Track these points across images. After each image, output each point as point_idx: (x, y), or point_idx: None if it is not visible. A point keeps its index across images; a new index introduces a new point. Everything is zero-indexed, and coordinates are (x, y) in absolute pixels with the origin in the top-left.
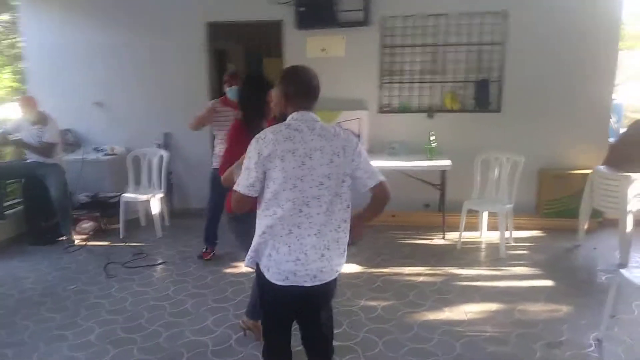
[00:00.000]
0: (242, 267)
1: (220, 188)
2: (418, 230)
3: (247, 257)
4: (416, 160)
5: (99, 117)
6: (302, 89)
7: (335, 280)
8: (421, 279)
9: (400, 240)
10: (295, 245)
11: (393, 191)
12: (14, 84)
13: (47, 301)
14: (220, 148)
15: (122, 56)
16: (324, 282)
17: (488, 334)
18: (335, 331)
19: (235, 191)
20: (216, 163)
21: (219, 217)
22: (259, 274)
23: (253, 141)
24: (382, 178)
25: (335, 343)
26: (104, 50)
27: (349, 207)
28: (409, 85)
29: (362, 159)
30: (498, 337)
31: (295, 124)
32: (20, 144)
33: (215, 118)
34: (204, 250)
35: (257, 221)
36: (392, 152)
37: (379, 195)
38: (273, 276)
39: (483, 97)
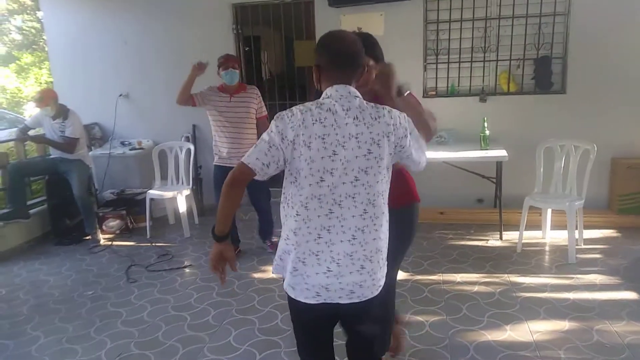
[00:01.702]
0: (271, 273)
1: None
2: (470, 229)
3: (274, 263)
4: (467, 151)
5: (126, 110)
6: (338, 58)
7: (380, 296)
8: (476, 288)
9: (449, 241)
10: (324, 254)
11: (441, 185)
12: (52, 79)
13: (62, 309)
14: (218, 140)
15: (147, 46)
16: (365, 299)
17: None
18: None
19: (242, 163)
20: (217, 159)
21: (235, 218)
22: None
23: (278, 117)
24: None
25: None
26: (128, 41)
27: (385, 204)
28: (458, 66)
29: (411, 146)
30: None
31: (329, 103)
32: (40, 140)
33: (211, 105)
34: None
35: (282, 221)
36: (440, 141)
37: None
38: (301, 294)
39: (544, 76)
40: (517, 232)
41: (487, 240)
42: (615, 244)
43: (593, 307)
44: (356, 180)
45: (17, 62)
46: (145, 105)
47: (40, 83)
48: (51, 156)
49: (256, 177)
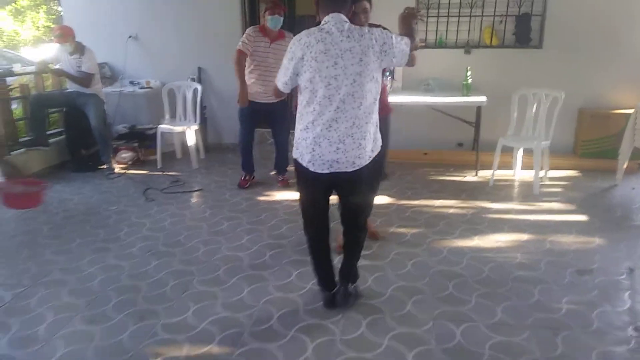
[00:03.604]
0: (276, 196)
1: (247, 122)
2: (450, 168)
3: (293, 149)
4: (451, 97)
5: (135, 51)
6: None
7: (373, 161)
8: (451, 211)
9: (431, 177)
10: (334, 138)
11: (426, 129)
12: (49, 24)
13: (91, 219)
14: (249, 77)
15: None
16: (362, 167)
17: (517, 260)
18: (362, 252)
19: (275, 84)
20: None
21: (252, 149)
22: (296, 166)
23: (293, 41)
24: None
25: (363, 262)
26: None
27: (376, 98)
28: (446, 20)
29: (393, 52)
30: (527, 263)
31: (327, 27)
32: (60, 72)
33: (251, 47)
34: (243, 177)
35: (298, 117)
36: (426, 88)
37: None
38: (318, 168)
39: (524, 32)
40: (491, 171)
41: (465, 176)
42: (575, 181)
43: (549, 225)
44: (354, 82)
45: (14, 4)
46: (153, 47)
47: (38, 27)
48: (68, 90)
49: (284, 91)
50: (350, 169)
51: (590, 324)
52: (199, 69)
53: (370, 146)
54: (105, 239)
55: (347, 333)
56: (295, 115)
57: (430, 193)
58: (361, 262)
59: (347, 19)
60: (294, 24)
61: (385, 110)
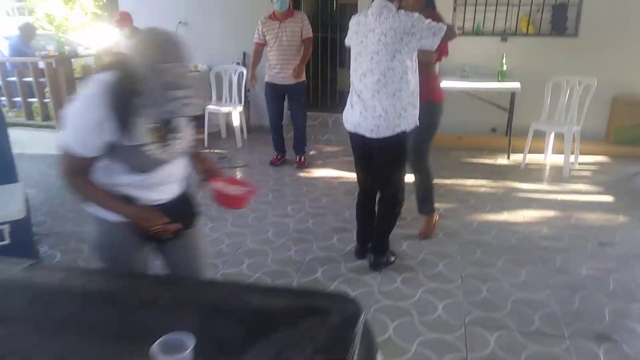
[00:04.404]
0: (315, 173)
1: (271, 103)
2: (483, 152)
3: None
4: (486, 82)
5: (183, 36)
6: None
7: (396, 138)
8: (482, 189)
9: (464, 159)
10: (358, 105)
11: (461, 114)
12: (97, 11)
13: None
14: (270, 60)
15: None
16: (382, 137)
17: (543, 233)
18: (397, 223)
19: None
20: (267, 76)
21: (281, 130)
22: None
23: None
24: (438, 40)
25: (398, 230)
26: None
27: (402, 78)
28: (484, 8)
29: (420, 35)
30: (552, 235)
31: (367, 11)
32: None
33: (265, 34)
34: (275, 156)
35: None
36: (463, 74)
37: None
38: (348, 125)
39: (560, 21)
40: (522, 154)
41: (496, 159)
42: (605, 166)
43: (576, 204)
44: (371, 59)
45: None
46: (201, 32)
47: (87, 12)
48: None
49: None
50: (368, 135)
51: (607, 286)
52: (244, 53)
53: (393, 121)
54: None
55: (383, 286)
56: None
57: (463, 173)
58: (396, 230)
59: (388, 4)
60: (338, 13)
61: (431, 96)
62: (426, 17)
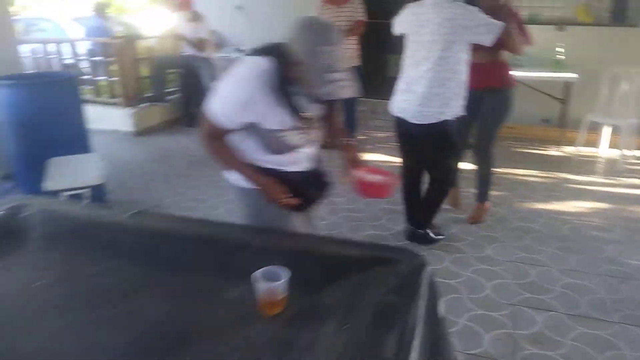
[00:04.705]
0: (365, 157)
1: None
2: (534, 142)
3: None
4: (541, 72)
5: (240, 20)
6: None
7: (440, 125)
8: (533, 179)
9: (516, 149)
10: (406, 91)
11: (514, 104)
12: None
13: (209, 164)
14: None
15: None
16: (425, 123)
17: (594, 224)
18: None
19: None
20: None
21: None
22: None
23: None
24: (496, 33)
25: (447, 214)
26: None
27: (454, 68)
28: None
29: (472, 30)
30: (603, 226)
31: (425, 1)
32: (180, 37)
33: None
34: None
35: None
36: (516, 63)
37: (504, 44)
38: (394, 110)
39: (620, 10)
40: (575, 146)
41: (548, 150)
42: None
43: (629, 197)
44: (426, 48)
45: None
46: (257, 17)
47: None
48: (185, 53)
49: None
50: (413, 121)
51: None
52: None
53: (438, 109)
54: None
55: (432, 265)
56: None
57: (513, 163)
58: (445, 214)
59: None
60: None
61: (507, 82)
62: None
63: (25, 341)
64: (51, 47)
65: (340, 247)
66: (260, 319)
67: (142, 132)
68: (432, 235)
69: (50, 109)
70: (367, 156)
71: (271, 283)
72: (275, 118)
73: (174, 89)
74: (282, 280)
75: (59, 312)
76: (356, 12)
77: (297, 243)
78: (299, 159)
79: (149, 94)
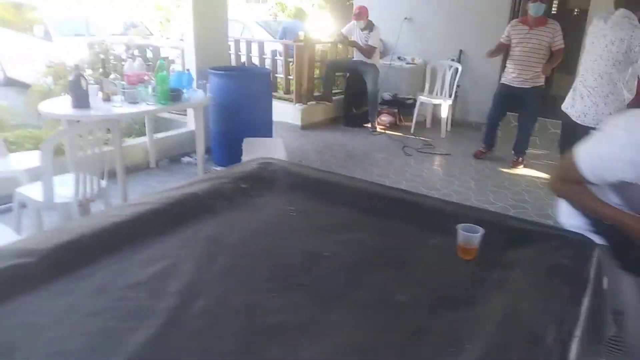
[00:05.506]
0: (517, 171)
1: (499, 103)
2: None
3: None
4: None
5: (406, 31)
6: None
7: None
8: None
9: None
10: (576, 91)
11: None
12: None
13: (365, 160)
14: (508, 63)
15: None
16: (587, 125)
17: None
18: None
19: None
20: (503, 78)
21: (497, 127)
22: None
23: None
24: None
25: None
26: None
27: (616, 85)
28: None
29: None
30: None
31: (606, 17)
32: (353, 44)
33: (511, 37)
34: (481, 149)
35: None
36: None
37: None
38: (564, 105)
39: None
40: None
41: None
42: None
43: None
44: (594, 60)
45: None
46: (423, 28)
47: (313, 3)
48: (353, 59)
49: None
50: (575, 119)
51: None
52: (460, 51)
53: (599, 116)
54: (379, 175)
55: None
56: None
57: None
58: None
59: (631, 15)
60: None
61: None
62: None
63: (289, 248)
64: (242, 45)
65: (522, 223)
66: (457, 261)
67: (307, 126)
68: None
69: (249, 97)
70: (520, 170)
71: (469, 233)
72: None
73: (339, 90)
74: (479, 233)
75: (306, 233)
76: (552, 37)
77: (485, 215)
78: None
79: (318, 94)
